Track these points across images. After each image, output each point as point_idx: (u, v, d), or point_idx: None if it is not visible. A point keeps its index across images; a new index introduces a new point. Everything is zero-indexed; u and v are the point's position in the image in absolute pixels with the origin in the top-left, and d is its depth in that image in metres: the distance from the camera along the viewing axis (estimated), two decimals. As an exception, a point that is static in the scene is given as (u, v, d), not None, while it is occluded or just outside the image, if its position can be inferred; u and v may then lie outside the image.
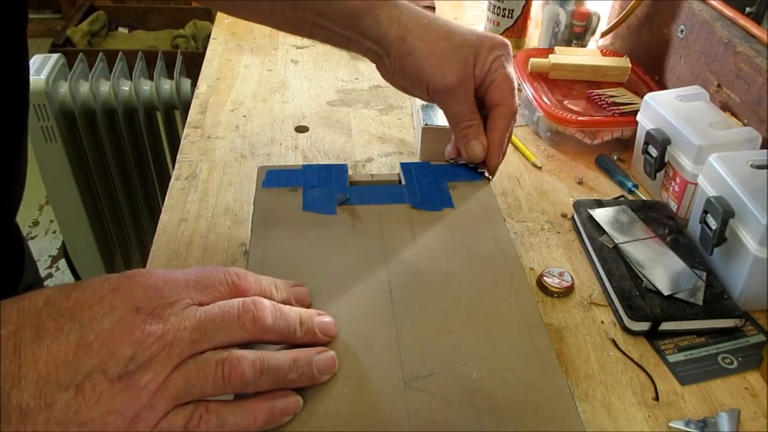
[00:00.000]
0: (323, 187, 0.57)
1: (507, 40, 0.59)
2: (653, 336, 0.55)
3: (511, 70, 0.58)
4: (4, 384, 0.31)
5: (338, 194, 0.56)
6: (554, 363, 0.43)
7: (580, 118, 0.77)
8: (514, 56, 0.69)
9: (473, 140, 0.59)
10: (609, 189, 0.73)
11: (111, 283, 0.35)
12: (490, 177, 0.60)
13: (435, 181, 0.59)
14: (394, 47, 0.57)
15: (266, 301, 0.38)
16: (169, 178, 0.72)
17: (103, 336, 0.33)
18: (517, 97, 0.59)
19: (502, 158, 0.61)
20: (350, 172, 0.59)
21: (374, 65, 0.61)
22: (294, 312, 0.40)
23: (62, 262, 1.90)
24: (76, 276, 1.51)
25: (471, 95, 0.58)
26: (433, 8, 1.04)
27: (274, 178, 0.58)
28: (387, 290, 0.47)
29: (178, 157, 0.75)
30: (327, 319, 0.42)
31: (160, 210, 0.67)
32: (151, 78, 1.34)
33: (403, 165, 0.61)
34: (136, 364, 0.33)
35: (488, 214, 0.56)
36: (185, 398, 0.34)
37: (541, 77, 0.86)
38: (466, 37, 0.57)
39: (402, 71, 0.58)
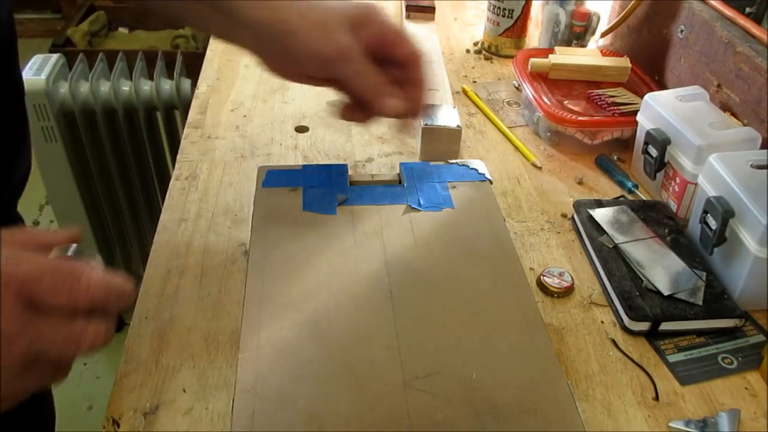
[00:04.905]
0: (323, 187, 0.57)
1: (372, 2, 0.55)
2: (653, 336, 0.55)
3: (391, 21, 0.54)
4: None
5: (338, 194, 0.56)
6: (554, 363, 0.43)
7: (580, 118, 0.77)
8: (513, 57, 0.68)
9: (388, 96, 0.54)
10: (609, 189, 0.73)
11: None
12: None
13: (435, 181, 0.59)
14: (274, 30, 0.52)
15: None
16: (169, 178, 0.72)
17: None
18: (414, 42, 0.55)
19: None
20: (350, 172, 0.59)
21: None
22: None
23: (62, 262, 1.89)
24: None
25: (365, 57, 0.54)
26: (433, 8, 1.04)
27: (274, 178, 0.58)
28: (387, 290, 0.47)
29: (178, 157, 0.75)
30: None
31: (160, 210, 0.67)
32: (151, 78, 1.34)
33: (403, 165, 0.61)
34: None
35: (488, 214, 0.56)
36: None
37: (541, 77, 0.86)
38: (337, 4, 0.53)
39: (288, 53, 0.53)
